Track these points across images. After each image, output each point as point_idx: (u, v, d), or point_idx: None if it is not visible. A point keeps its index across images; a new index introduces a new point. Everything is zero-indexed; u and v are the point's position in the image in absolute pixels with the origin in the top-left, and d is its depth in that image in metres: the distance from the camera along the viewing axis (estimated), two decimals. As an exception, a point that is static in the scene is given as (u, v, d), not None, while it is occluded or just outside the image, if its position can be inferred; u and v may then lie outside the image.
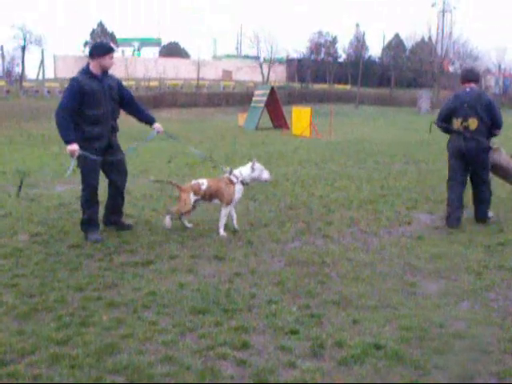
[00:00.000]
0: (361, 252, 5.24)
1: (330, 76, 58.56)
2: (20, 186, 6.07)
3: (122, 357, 3.12)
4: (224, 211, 5.81)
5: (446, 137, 6.65)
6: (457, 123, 6.26)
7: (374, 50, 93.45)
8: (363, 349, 3.22)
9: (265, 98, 23.13)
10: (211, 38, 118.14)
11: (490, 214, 6.44)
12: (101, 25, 63.40)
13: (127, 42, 69.68)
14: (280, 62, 62.14)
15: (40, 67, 55.23)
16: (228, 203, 5.82)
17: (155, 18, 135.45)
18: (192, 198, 5.80)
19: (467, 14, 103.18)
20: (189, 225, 6.04)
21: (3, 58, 48.29)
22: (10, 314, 3.71)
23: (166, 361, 3.09)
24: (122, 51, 67.58)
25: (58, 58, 60.38)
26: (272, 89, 23.67)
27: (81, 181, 5.61)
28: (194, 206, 5.91)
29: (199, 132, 20.72)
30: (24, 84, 42.69)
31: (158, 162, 11.52)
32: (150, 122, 6.04)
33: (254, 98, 24.91)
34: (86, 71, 5.53)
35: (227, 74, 62.12)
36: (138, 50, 71.45)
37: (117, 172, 5.81)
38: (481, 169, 6.29)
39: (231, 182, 5.86)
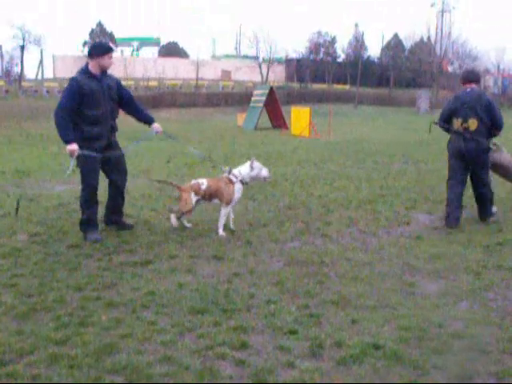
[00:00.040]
0: (360, 252, 5.25)
1: (328, 76, 58.64)
2: (17, 208, 6.21)
3: (121, 357, 3.12)
4: (224, 211, 5.81)
5: (445, 137, 6.66)
6: (457, 124, 6.27)
7: (373, 50, 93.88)
8: (362, 349, 3.22)
9: (264, 98, 23.14)
10: (210, 37, 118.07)
11: (494, 209, 6.49)
12: (100, 25, 63.46)
13: (126, 41, 69.67)
14: (279, 61, 62.11)
15: (39, 67, 55.37)
16: (228, 203, 5.81)
17: (154, 17, 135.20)
18: (193, 197, 5.80)
19: (466, 14, 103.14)
20: (188, 225, 6.03)
21: (2, 57, 48.35)
22: (8, 314, 3.70)
23: (164, 361, 3.09)
24: (121, 51, 67.63)
25: (56, 57, 60.46)
26: (271, 89, 23.69)
27: (80, 181, 5.61)
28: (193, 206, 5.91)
29: (198, 132, 20.72)
30: (23, 84, 42.72)
31: (158, 162, 11.51)
32: (148, 121, 6.03)
33: (252, 98, 24.92)
34: (85, 71, 5.52)
35: (226, 74, 62.12)
36: (137, 49, 71.48)
37: (117, 172, 5.81)
38: (480, 169, 6.31)
39: (231, 181, 5.86)
